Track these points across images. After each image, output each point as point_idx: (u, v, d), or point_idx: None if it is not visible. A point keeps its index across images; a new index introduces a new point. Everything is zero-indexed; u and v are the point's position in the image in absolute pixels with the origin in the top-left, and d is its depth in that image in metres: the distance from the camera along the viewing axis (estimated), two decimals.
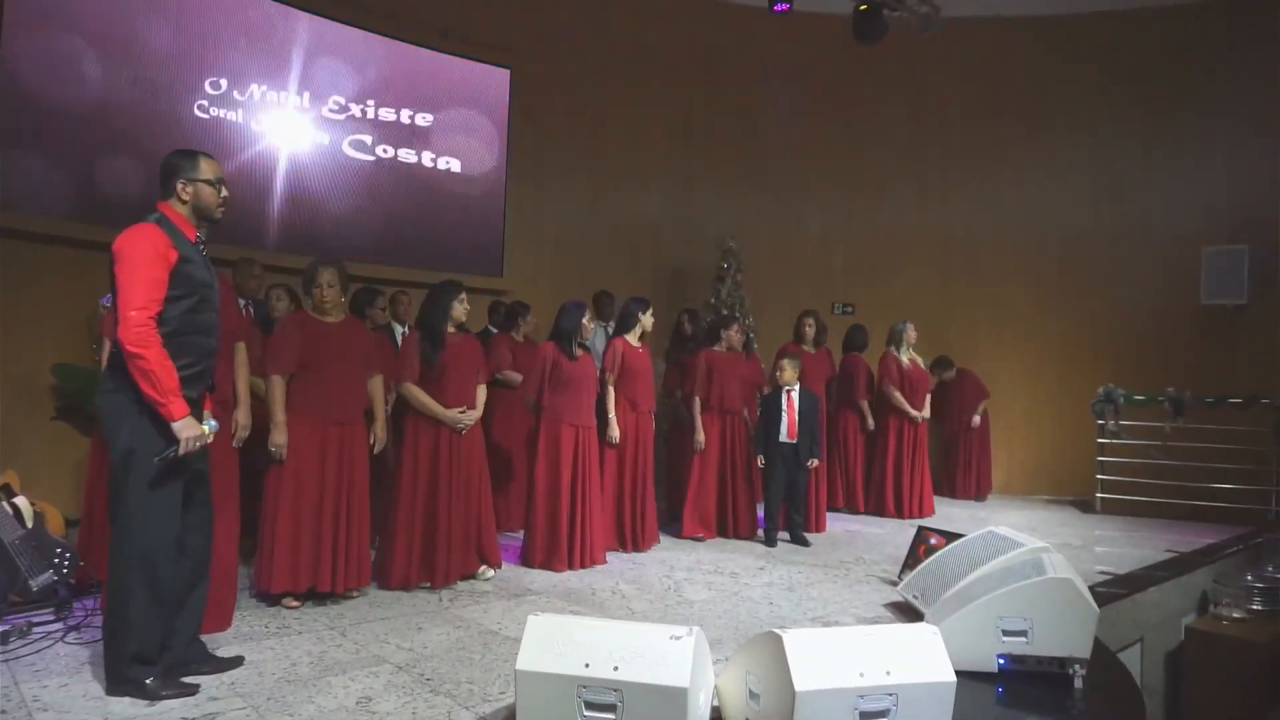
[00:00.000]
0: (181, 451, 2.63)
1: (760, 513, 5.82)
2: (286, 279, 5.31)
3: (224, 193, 2.87)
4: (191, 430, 2.64)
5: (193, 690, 2.73)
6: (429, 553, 4.16)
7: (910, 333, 7.05)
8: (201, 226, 2.87)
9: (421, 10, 7.39)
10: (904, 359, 6.97)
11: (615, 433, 5.12)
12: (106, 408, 2.69)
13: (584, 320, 4.89)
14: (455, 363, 4.25)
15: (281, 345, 3.77)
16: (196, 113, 6.16)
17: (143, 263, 2.60)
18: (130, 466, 2.64)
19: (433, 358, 4.18)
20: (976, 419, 7.89)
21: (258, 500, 3.77)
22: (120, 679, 2.69)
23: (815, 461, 5.78)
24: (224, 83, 6.30)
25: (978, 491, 7.94)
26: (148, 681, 2.67)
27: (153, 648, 2.71)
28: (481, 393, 4.41)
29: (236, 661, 2.98)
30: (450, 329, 4.30)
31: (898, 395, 6.85)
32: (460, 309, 4.29)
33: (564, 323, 4.87)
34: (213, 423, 2.81)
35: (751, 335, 7.19)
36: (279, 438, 3.68)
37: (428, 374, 4.20)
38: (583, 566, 4.74)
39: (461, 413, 4.22)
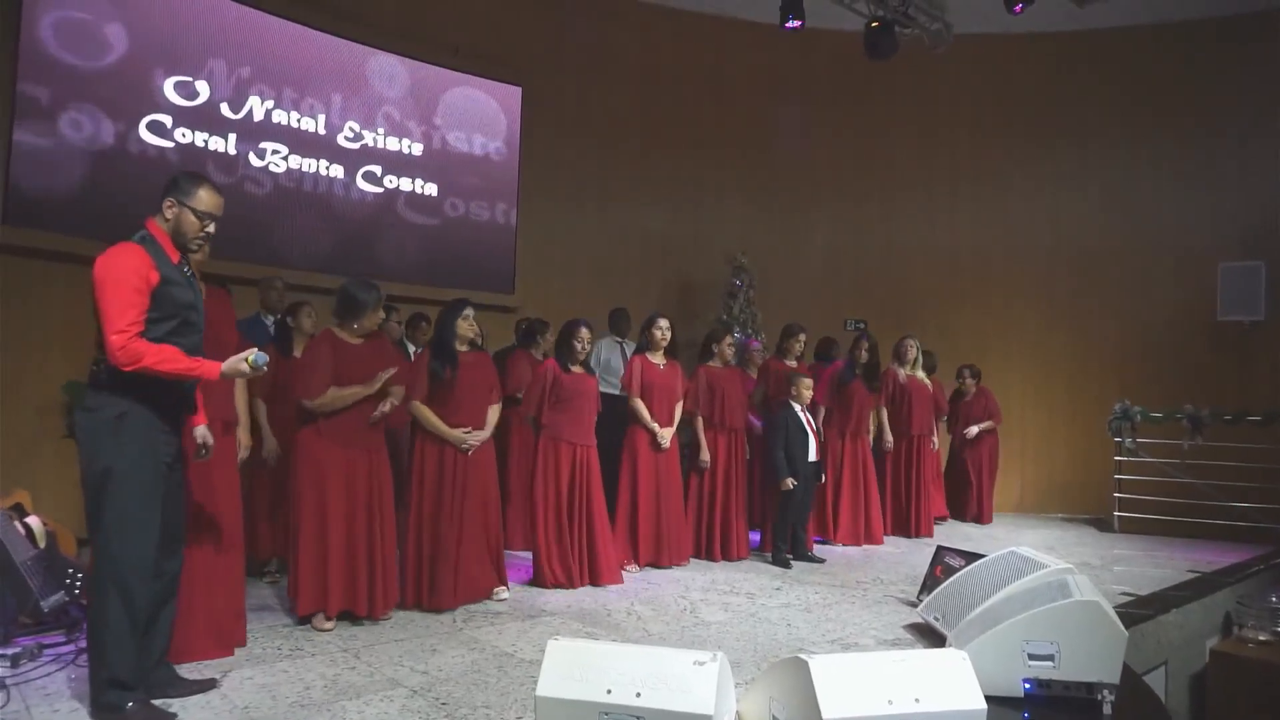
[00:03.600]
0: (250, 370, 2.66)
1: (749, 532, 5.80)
2: (294, 295, 5.31)
3: (209, 229, 2.79)
4: (238, 365, 2.65)
5: (170, 718, 2.67)
6: (433, 575, 4.09)
7: (908, 349, 6.98)
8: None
9: (434, 29, 7.43)
10: (902, 375, 6.91)
11: (665, 436, 5.12)
12: (85, 426, 2.63)
13: (572, 339, 4.80)
14: (466, 381, 4.20)
15: (314, 369, 3.72)
16: (202, 131, 6.17)
17: (120, 285, 2.54)
18: (107, 486, 2.58)
19: (441, 375, 4.14)
20: (973, 429, 7.57)
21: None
22: (98, 704, 2.63)
23: (823, 477, 5.78)
24: (235, 101, 6.33)
25: (976, 515, 7.59)
26: (127, 707, 2.61)
27: (130, 672, 2.64)
28: (493, 413, 4.36)
29: (208, 684, 2.91)
30: (463, 347, 4.27)
31: (883, 415, 6.74)
32: (465, 325, 4.24)
33: (560, 340, 4.88)
34: (258, 355, 2.68)
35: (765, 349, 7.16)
36: (244, 437, 3.59)
37: (437, 392, 4.15)
38: (596, 584, 4.70)
39: (467, 432, 4.17)
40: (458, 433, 4.15)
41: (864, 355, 6.35)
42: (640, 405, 5.13)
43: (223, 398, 3.37)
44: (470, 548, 4.18)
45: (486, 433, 4.28)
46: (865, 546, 6.31)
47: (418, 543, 4.11)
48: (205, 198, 2.76)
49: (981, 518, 7.59)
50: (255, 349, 2.70)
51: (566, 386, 4.75)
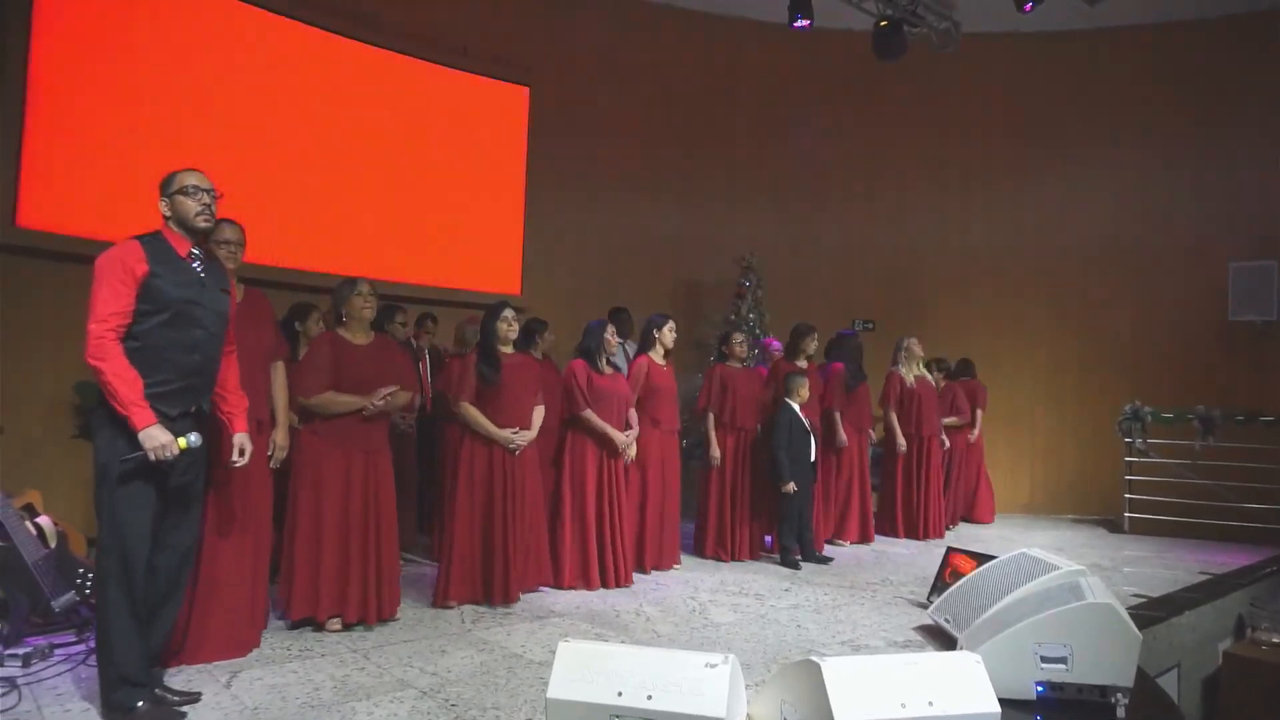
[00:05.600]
0: (153, 459, 2.55)
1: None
2: (303, 296, 5.32)
3: (204, 200, 2.77)
4: (155, 440, 2.54)
5: (180, 718, 2.66)
6: (487, 572, 4.16)
7: (915, 348, 6.94)
8: (199, 242, 2.83)
9: (442, 29, 7.42)
10: (909, 377, 6.86)
11: (629, 442, 4.97)
12: (92, 424, 2.68)
13: (606, 335, 4.88)
14: (512, 382, 4.25)
15: (311, 368, 3.74)
16: (211, 131, 6.18)
17: (105, 278, 2.60)
18: (104, 481, 2.61)
19: (489, 377, 4.18)
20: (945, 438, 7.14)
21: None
22: (109, 703, 2.63)
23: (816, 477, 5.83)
24: (244, 101, 6.33)
25: (951, 519, 7.16)
26: (137, 705, 2.61)
27: (137, 668, 2.63)
28: (539, 414, 4.41)
29: (194, 697, 2.83)
30: (506, 348, 4.32)
31: (893, 418, 6.72)
32: (504, 326, 4.30)
33: (587, 341, 4.88)
34: (193, 437, 2.66)
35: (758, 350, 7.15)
36: (280, 438, 3.59)
37: (485, 393, 4.20)
38: (616, 586, 4.70)
39: (514, 433, 4.22)
40: (505, 433, 4.20)
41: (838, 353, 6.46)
42: (591, 416, 4.72)
43: (257, 397, 3.36)
44: (518, 546, 4.24)
45: (533, 433, 4.33)
46: (874, 546, 6.31)
47: (468, 541, 4.15)
48: (184, 177, 2.80)
49: (972, 516, 7.23)
50: (194, 433, 2.66)
51: (601, 387, 4.76)
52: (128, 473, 2.58)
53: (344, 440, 3.72)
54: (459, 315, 6.12)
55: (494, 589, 4.17)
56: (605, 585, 4.67)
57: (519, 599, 4.29)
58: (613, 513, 4.77)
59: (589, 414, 4.64)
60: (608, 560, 4.71)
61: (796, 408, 5.55)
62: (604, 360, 4.85)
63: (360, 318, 3.84)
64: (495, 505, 4.19)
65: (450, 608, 4.11)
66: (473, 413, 4.19)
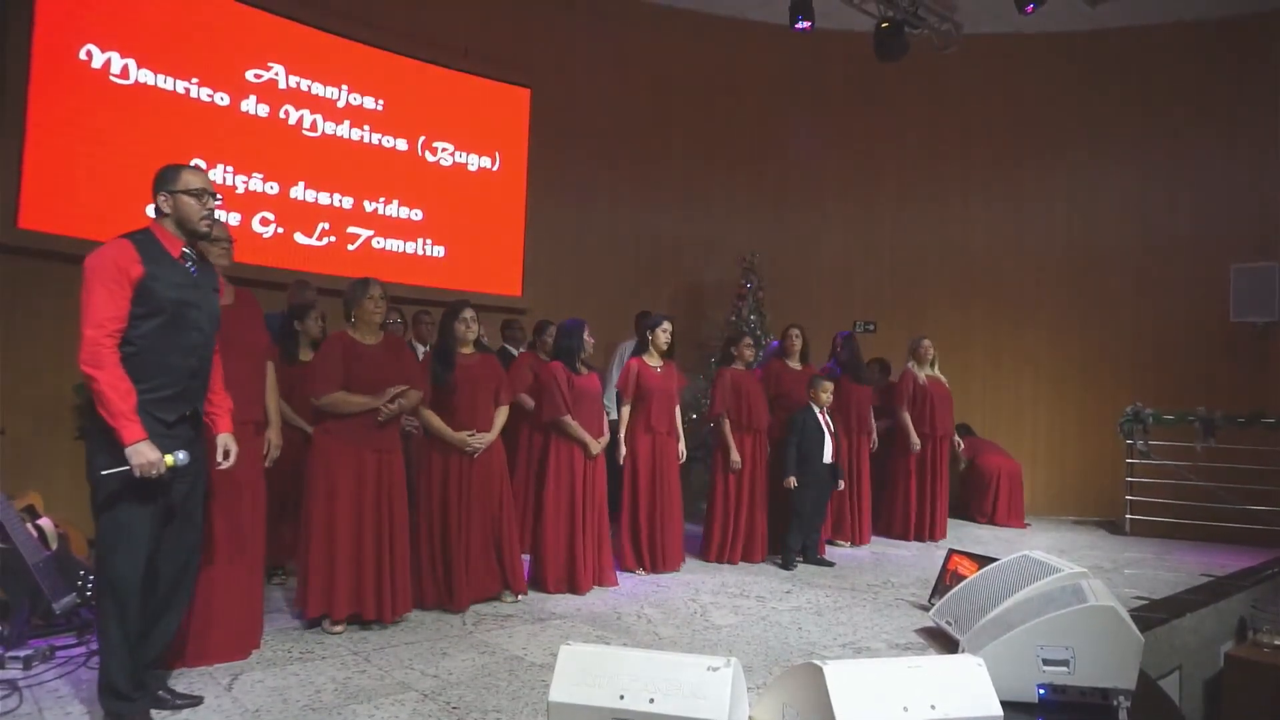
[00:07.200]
0: (138, 475, 2.49)
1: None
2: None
3: (209, 204, 2.71)
4: (142, 457, 2.47)
5: None
6: (446, 576, 4.12)
7: (929, 349, 6.93)
8: (192, 243, 2.75)
9: (443, 31, 7.42)
10: (921, 376, 6.86)
11: (622, 451, 5.03)
12: (87, 435, 2.61)
13: (584, 336, 4.84)
14: (466, 383, 4.18)
15: (322, 369, 3.75)
16: (211, 131, 6.18)
17: (99, 280, 2.49)
18: (99, 496, 2.56)
19: (440, 377, 4.14)
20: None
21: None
22: (105, 711, 2.63)
23: (843, 483, 5.81)
24: (245, 102, 6.33)
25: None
26: (120, 716, 2.60)
27: (126, 682, 2.60)
28: (500, 415, 4.35)
29: (196, 700, 2.82)
30: (466, 349, 4.27)
31: (905, 417, 6.71)
32: (461, 327, 4.22)
33: (565, 342, 4.85)
34: (181, 455, 2.57)
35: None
36: (275, 436, 3.60)
37: (440, 396, 4.15)
38: (599, 586, 4.69)
39: (470, 435, 4.16)
40: (460, 435, 4.14)
41: (841, 354, 6.39)
42: (570, 421, 4.68)
43: (253, 399, 3.36)
44: (478, 550, 4.19)
45: (492, 435, 4.25)
46: (874, 548, 6.30)
47: (428, 543, 4.13)
48: (190, 177, 2.71)
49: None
50: (182, 451, 2.58)
51: (579, 388, 4.74)
52: (126, 483, 2.52)
53: (356, 440, 3.73)
54: None
55: (453, 594, 4.08)
56: (597, 584, 4.65)
57: (467, 607, 4.12)
58: (593, 514, 4.75)
59: (568, 420, 4.61)
60: (592, 562, 4.69)
61: (817, 410, 5.57)
62: (580, 361, 4.81)
63: (370, 320, 3.85)
64: (450, 509, 4.12)
65: (445, 610, 4.09)
66: (428, 415, 4.13)
